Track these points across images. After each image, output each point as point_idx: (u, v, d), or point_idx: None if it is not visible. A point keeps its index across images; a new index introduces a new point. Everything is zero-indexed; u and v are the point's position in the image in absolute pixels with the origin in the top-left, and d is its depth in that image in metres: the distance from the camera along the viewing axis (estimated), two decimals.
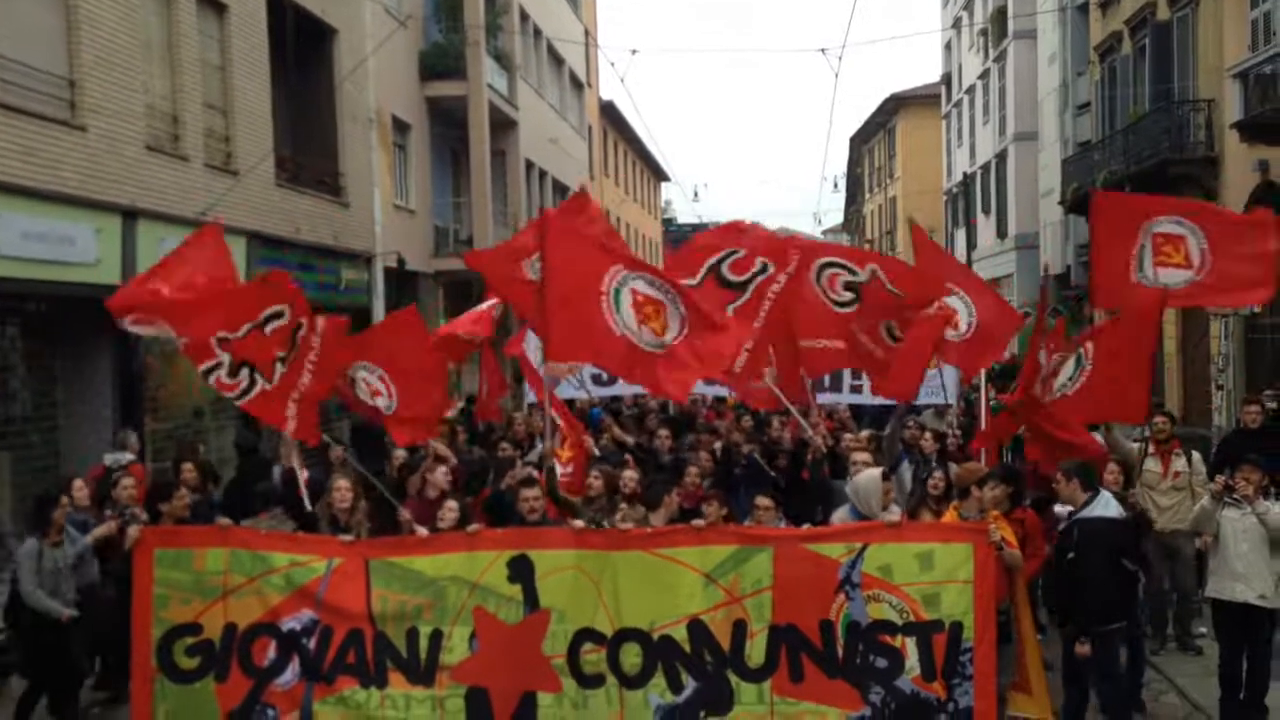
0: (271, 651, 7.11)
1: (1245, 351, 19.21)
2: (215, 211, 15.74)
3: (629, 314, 7.87)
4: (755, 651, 6.95)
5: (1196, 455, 9.81)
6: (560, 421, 9.34)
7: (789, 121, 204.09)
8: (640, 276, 7.98)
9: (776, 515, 7.97)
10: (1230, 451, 9.82)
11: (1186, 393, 22.48)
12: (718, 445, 11.17)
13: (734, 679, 6.95)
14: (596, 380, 12.43)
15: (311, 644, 7.11)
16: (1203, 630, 9.50)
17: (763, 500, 7.94)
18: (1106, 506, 7.71)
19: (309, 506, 8.27)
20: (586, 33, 40.15)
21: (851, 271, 8.83)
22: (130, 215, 14.13)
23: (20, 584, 7.88)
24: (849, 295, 8.85)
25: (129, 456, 11.04)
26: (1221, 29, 20.14)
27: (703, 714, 6.93)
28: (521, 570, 7.05)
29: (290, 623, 7.13)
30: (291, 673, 7.10)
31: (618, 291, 7.91)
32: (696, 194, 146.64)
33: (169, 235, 14.94)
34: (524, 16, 31.27)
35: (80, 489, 8.88)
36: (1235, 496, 7.93)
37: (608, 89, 46.27)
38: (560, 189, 36.12)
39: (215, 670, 7.09)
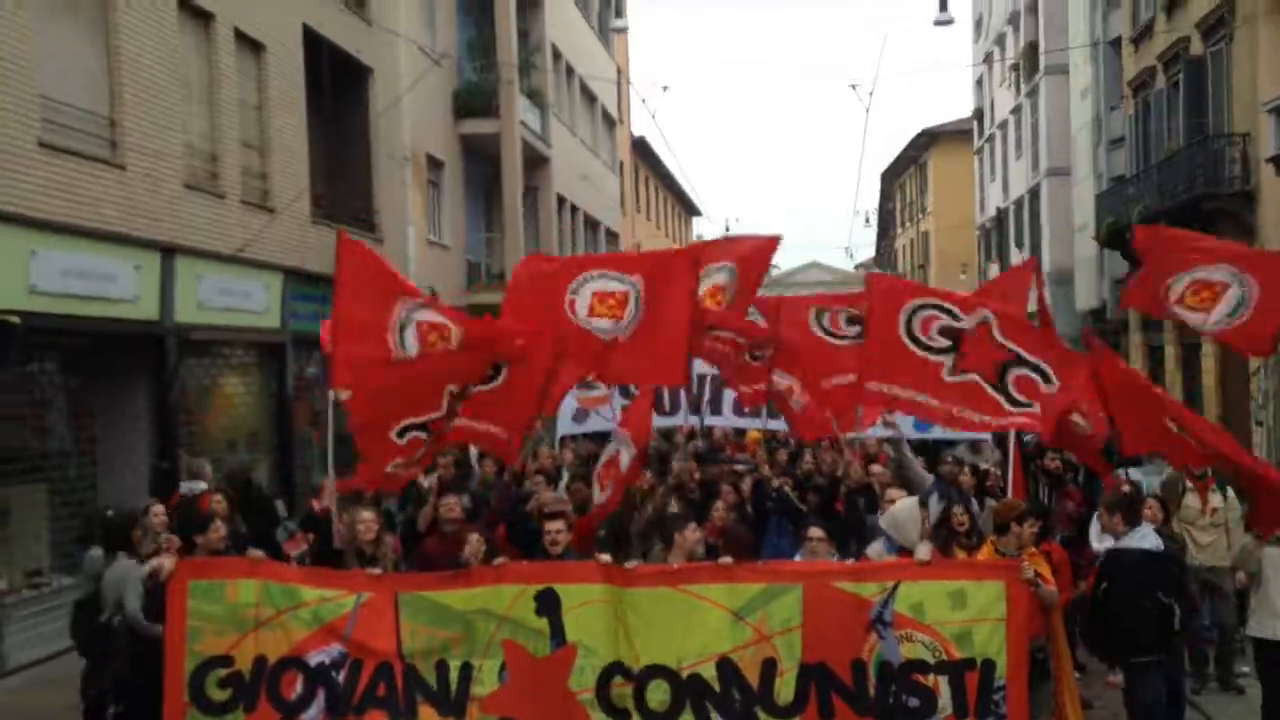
0: (299, 685, 7.11)
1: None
2: (252, 248, 16.00)
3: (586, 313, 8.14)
4: (785, 690, 6.88)
5: (1231, 491, 9.69)
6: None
7: (820, 156, 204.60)
8: (601, 276, 8.19)
9: (830, 548, 7.87)
10: None
11: (1226, 429, 22.19)
12: (748, 479, 11.11)
13: (763, 716, 6.89)
14: (577, 419, 12.46)
15: (340, 677, 7.11)
16: (1245, 669, 9.34)
17: (815, 531, 7.85)
18: (1144, 539, 7.63)
19: (337, 543, 8.30)
20: (619, 70, 40.51)
21: (953, 316, 7.98)
22: (169, 252, 14.34)
23: (126, 607, 7.63)
24: (945, 342, 8.02)
25: (203, 485, 11.19)
26: (1256, 63, 20.05)
27: None
28: (548, 604, 7.03)
29: (318, 656, 7.13)
30: (316, 708, 7.08)
31: (576, 290, 8.17)
32: (728, 228, 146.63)
33: (207, 272, 15.19)
34: (556, 55, 31.59)
35: (159, 514, 8.95)
36: (1276, 534, 7.81)
37: (639, 125, 46.62)
38: (591, 224, 36.34)
39: (245, 702, 7.10)
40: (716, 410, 12.66)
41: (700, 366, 10.97)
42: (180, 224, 14.62)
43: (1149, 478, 11.72)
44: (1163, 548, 7.76)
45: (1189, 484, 9.55)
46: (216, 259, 15.44)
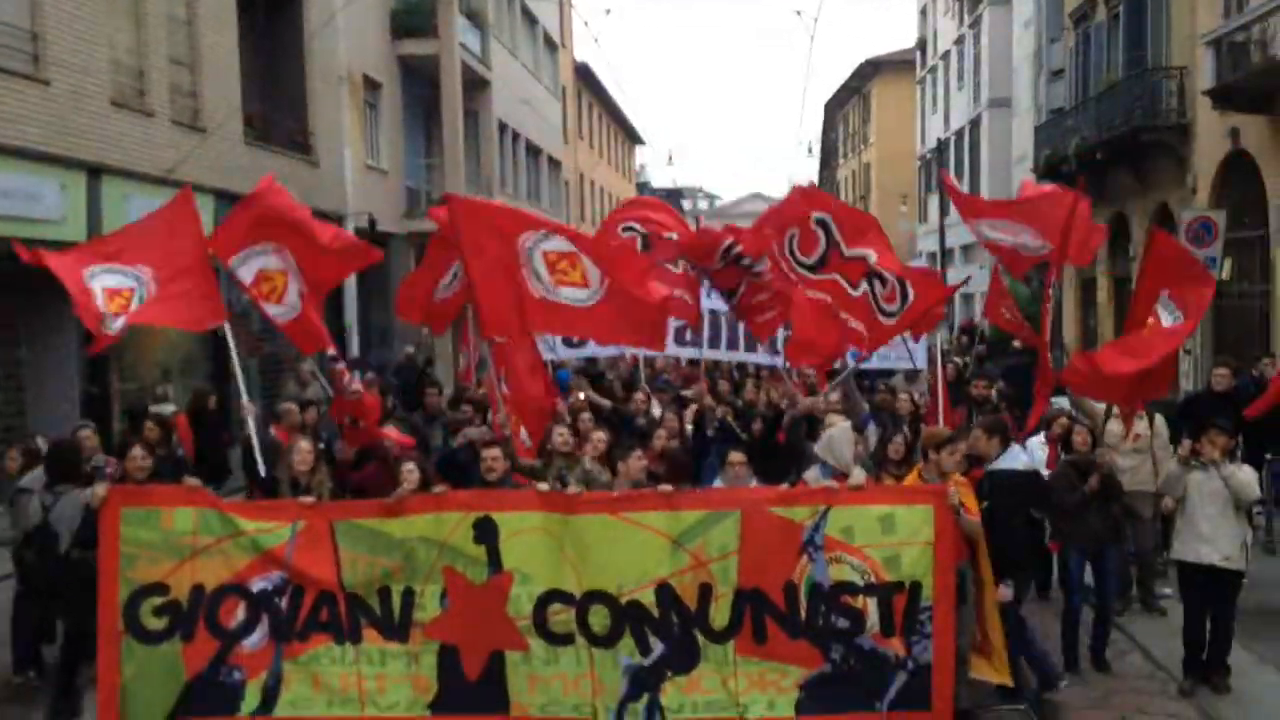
0: (240, 613, 7.07)
1: (1214, 318, 19.38)
2: (183, 169, 15.58)
3: (546, 277, 8.06)
4: (720, 614, 6.99)
5: (1159, 419, 9.89)
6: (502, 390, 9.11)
7: (765, 86, 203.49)
8: (550, 237, 8.16)
9: (749, 472, 7.98)
10: (1195, 414, 9.91)
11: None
12: (692, 408, 11.16)
13: (700, 639, 7.00)
14: (567, 343, 12.36)
15: (283, 603, 7.08)
16: (1167, 591, 9.61)
17: (735, 455, 7.95)
18: (1015, 459, 8.04)
19: (262, 470, 8.23)
20: None
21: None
22: (95, 172, 13.93)
23: (83, 536, 7.43)
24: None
25: (171, 408, 11.03)
26: None
27: (669, 674, 6.99)
28: (486, 531, 7.05)
29: (260, 583, 7.08)
30: (260, 634, 7.06)
31: (531, 254, 8.06)
32: (671, 158, 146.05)
33: (135, 193, 14.78)
34: None
35: (89, 437, 8.81)
36: (1202, 460, 8.00)
37: (582, 50, 45.95)
38: (533, 150, 35.88)
39: (182, 631, 7.03)
40: (733, 345, 12.58)
41: (712, 302, 11.07)
42: (107, 143, 14.20)
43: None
44: (1031, 467, 8.31)
45: (1114, 411, 9.71)
46: (145, 180, 15.03)
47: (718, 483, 8.08)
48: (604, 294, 8.08)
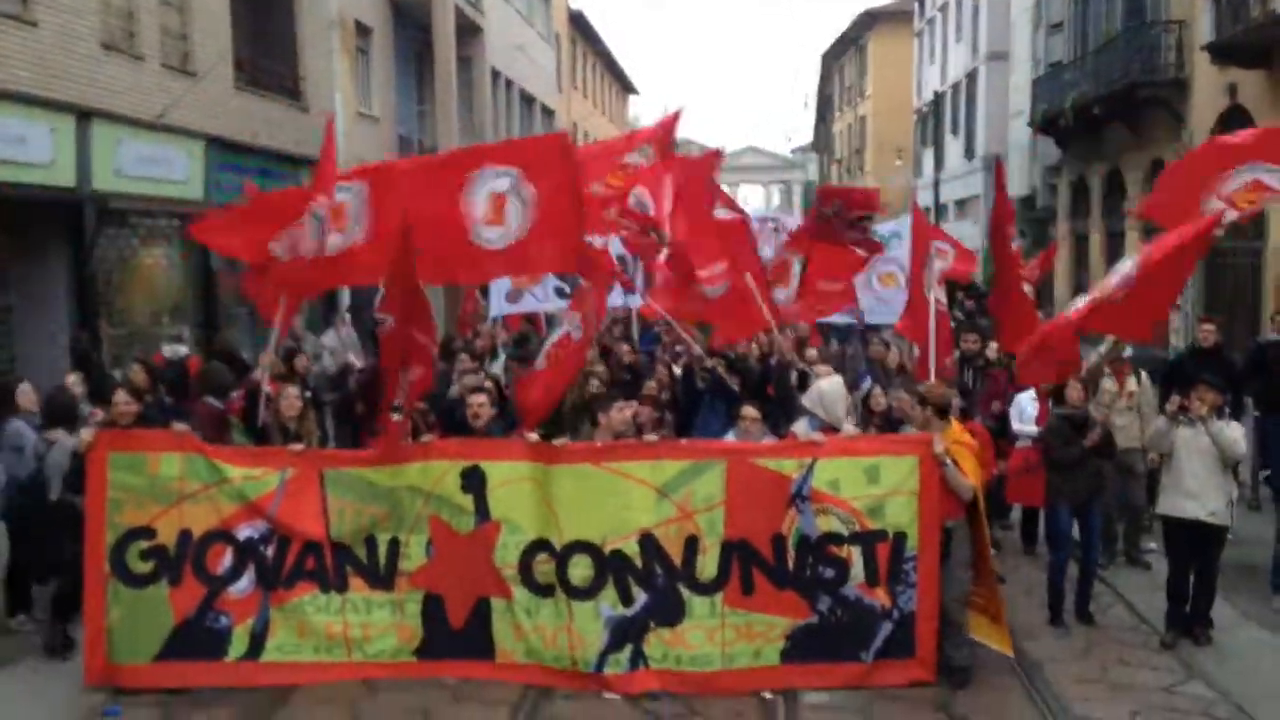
0: (227, 559, 7.12)
1: (1206, 274, 19.39)
2: (173, 113, 15.43)
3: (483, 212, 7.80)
4: (707, 566, 7.05)
5: (1145, 376, 9.94)
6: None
7: (762, 38, 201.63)
8: (504, 173, 7.78)
9: (762, 429, 7.92)
10: (1183, 371, 9.94)
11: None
12: (682, 360, 11.16)
13: (685, 592, 7.06)
14: (560, 293, 12.32)
15: (269, 551, 7.13)
16: (1152, 546, 9.69)
17: (749, 410, 7.88)
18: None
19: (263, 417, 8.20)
20: None
21: None
22: (85, 115, 13.78)
23: (72, 482, 7.41)
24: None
25: (184, 350, 11.05)
26: None
27: (653, 625, 7.05)
28: (474, 481, 7.09)
29: (247, 530, 7.13)
30: (248, 580, 7.12)
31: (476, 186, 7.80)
32: (666, 109, 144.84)
33: (126, 137, 14.65)
34: None
35: (75, 385, 8.76)
36: (1189, 416, 8.03)
37: None
38: (527, 99, 35.56)
39: (169, 575, 7.09)
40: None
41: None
42: (97, 86, 14.03)
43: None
44: None
45: (1106, 368, 9.74)
46: (136, 124, 14.87)
47: (730, 437, 8.04)
48: (523, 231, 7.78)
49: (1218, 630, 8.09)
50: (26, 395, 8.30)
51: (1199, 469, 7.95)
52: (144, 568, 7.09)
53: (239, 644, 7.10)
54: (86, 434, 7.16)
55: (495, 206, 7.71)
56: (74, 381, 8.89)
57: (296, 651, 7.12)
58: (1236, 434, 8.08)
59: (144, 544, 7.08)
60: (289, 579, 7.15)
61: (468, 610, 7.13)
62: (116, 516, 7.04)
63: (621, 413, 8.03)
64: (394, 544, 7.16)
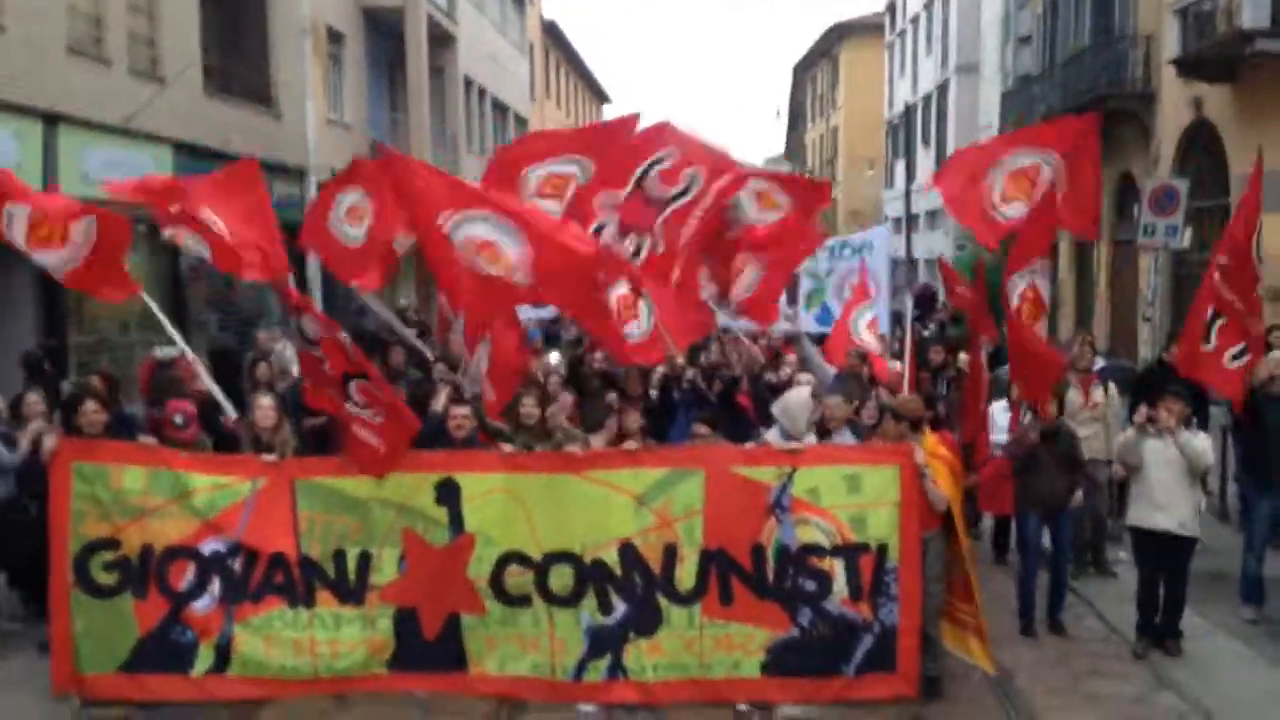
0: (190, 574, 7.02)
1: (1174, 287, 19.56)
2: (141, 119, 15.28)
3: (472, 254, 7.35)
4: (686, 575, 7.00)
5: (1113, 386, 10.01)
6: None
7: (735, 49, 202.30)
8: (476, 220, 7.18)
9: (716, 440, 7.93)
10: (1152, 382, 10.01)
11: (1114, 325, 22.91)
12: (659, 370, 11.11)
13: (664, 602, 7.01)
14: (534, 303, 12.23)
15: (236, 565, 7.03)
16: (1121, 556, 9.75)
17: (700, 429, 7.86)
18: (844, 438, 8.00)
19: (233, 420, 8.09)
20: None
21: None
22: (52, 120, 13.62)
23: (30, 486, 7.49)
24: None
25: (174, 352, 10.90)
26: None
27: (631, 634, 7.01)
28: (448, 493, 7.02)
29: (213, 544, 7.03)
30: (210, 597, 7.02)
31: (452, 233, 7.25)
32: (639, 118, 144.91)
33: (93, 143, 14.49)
34: None
35: (35, 403, 8.43)
36: (1157, 427, 8.08)
37: (549, 7, 45.43)
38: (500, 107, 35.51)
39: (133, 588, 7.00)
40: None
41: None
42: (64, 91, 13.87)
43: None
44: None
45: (1072, 380, 9.80)
46: (103, 130, 14.73)
47: None
48: (531, 270, 7.21)
49: (1188, 640, 8.14)
50: (35, 406, 8.31)
51: (1168, 480, 8.00)
52: (108, 579, 6.99)
53: (205, 658, 7.00)
54: (49, 441, 7.08)
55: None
56: (34, 401, 8.58)
57: (262, 668, 7.01)
58: (1204, 444, 8.14)
59: (108, 556, 6.98)
60: (256, 593, 7.04)
61: (440, 623, 7.06)
62: (80, 527, 6.95)
63: (636, 419, 7.96)
64: (365, 557, 7.07)
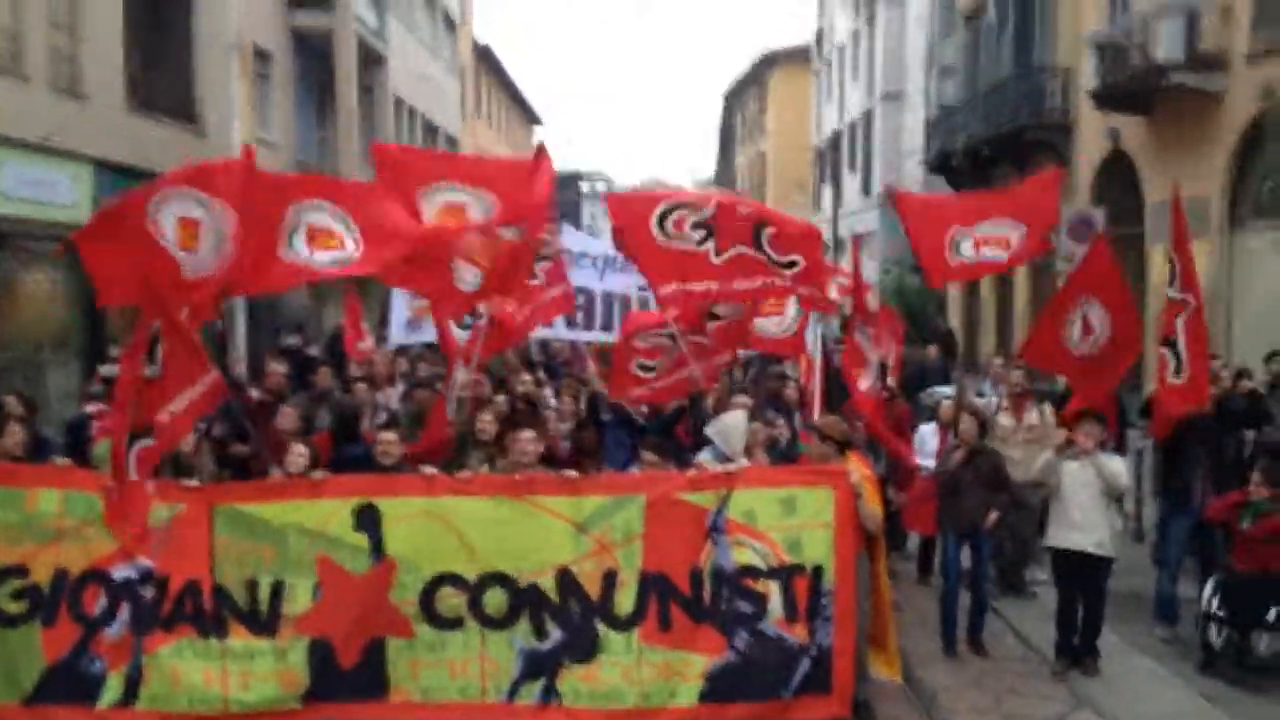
0: (102, 600, 6.81)
1: None
2: (61, 136, 14.98)
3: (304, 249, 7.53)
4: (625, 600, 6.92)
5: (1048, 407, 10.13)
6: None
7: (666, 73, 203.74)
8: (315, 208, 7.56)
9: (665, 466, 7.83)
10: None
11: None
12: (584, 391, 11.09)
13: (602, 628, 6.91)
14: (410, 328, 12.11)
15: (147, 593, 6.82)
16: (1041, 576, 9.90)
17: (649, 456, 7.68)
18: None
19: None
20: None
21: (694, 209, 8.31)
22: None
23: None
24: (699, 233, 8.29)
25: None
26: None
27: (566, 660, 6.91)
28: (367, 519, 6.89)
29: (124, 570, 6.82)
30: (120, 624, 6.80)
31: (293, 232, 7.51)
32: (570, 140, 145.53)
33: (9, 159, 14.18)
34: None
35: None
36: (1075, 450, 8.25)
37: (481, 29, 45.43)
38: (430, 128, 35.36)
39: (42, 615, 6.77)
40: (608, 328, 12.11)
41: (606, 285, 10.96)
42: None
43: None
44: None
45: (1004, 403, 9.94)
46: (20, 146, 14.41)
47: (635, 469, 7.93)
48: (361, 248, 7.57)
49: (1105, 659, 8.28)
50: None
51: (1085, 501, 8.15)
52: (16, 607, 6.76)
53: (113, 690, 6.75)
54: None
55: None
56: None
57: (170, 701, 6.75)
58: (1119, 467, 8.33)
59: (16, 583, 6.75)
60: (168, 621, 6.83)
61: (359, 651, 6.90)
62: None
63: (532, 441, 7.82)
64: (277, 587, 6.89)
